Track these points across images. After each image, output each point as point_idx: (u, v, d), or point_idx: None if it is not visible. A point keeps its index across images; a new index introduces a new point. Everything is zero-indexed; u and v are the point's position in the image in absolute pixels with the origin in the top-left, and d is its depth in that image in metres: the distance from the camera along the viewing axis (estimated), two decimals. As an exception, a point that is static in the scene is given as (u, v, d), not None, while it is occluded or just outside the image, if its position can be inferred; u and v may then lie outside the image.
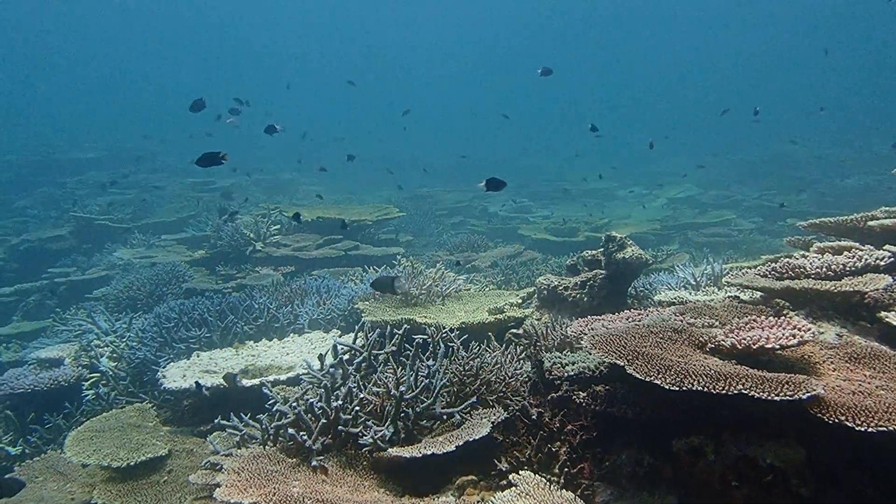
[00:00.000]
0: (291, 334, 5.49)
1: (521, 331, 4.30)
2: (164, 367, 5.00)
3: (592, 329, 2.97)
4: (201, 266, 8.68)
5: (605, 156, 25.59)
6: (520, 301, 4.58)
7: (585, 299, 4.32)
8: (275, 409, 3.49)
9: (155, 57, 60.26)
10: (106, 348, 6.10)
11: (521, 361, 3.57)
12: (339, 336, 5.32)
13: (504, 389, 3.33)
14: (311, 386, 3.81)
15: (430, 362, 3.41)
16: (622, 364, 2.46)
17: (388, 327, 4.15)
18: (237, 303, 5.71)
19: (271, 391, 4.08)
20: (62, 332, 6.70)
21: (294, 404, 3.50)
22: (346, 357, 3.86)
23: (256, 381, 4.41)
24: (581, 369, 2.87)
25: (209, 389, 4.44)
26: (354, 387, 3.44)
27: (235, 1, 56.88)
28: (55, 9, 51.12)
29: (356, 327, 4.20)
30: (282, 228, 8.93)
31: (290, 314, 5.62)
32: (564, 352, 3.38)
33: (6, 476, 4.27)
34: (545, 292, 4.55)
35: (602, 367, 2.88)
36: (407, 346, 3.79)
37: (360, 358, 3.81)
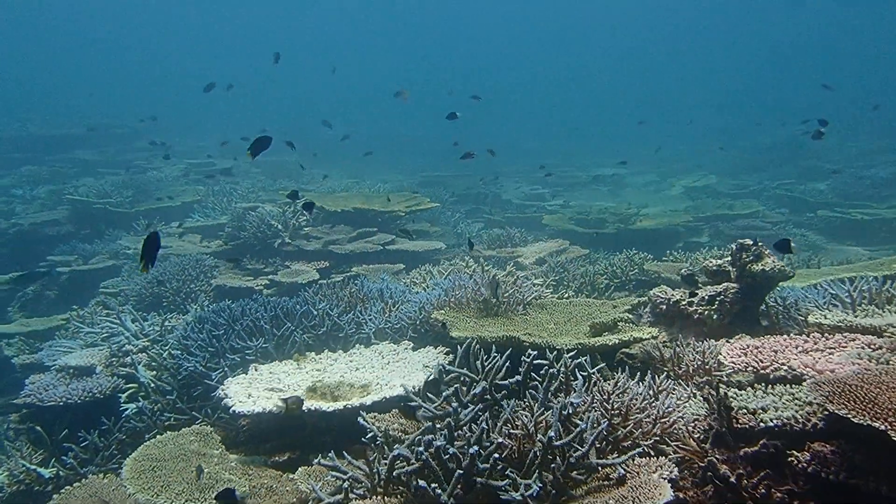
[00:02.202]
0: (357, 345, 5.01)
1: (634, 351, 3.87)
2: (222, 384, 4.50)
3: (812, 373, 2.53)
4: (222, 258, 8.11)
5: (605, 140, 25.27)
6: (627, 315, 4.13)
7: (715, 317, 3.89)
8: (396, 452, 3.02)
9: (140, 33, 58.55)
10: (140, 355, 5.56)
11: (667, 395, 3.13)
12: (409, 347, 4.85)
13: (659, 433, 2.89)
14: (427, 421, 3.35)
15: (575, 398, 2.96)
16: (883, 428, 2.04)
17: (475, 345, 3.70)
18: (293, 308, 5.21)
19: (368, 422, 3.63)
20: (87, 333, 6.13)
21: (416, 446, 3.04)
22: (462, 386, 3.40)
23: (339, 406, 3.93)
24: (784, 420, 2.44)
25: (280, 410, 3.95)
26: (487, 427, 2.98)
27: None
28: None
29: (460, 348, 3.73)
30: (310, 219, 8.38)
31: (354, 322, 5.13)
32: (747, 390, 2.93)
33: None
34: (663, 306, 4.12)
35: (816, 420, 2.46)
36: (532, 374, 3.35)
37: (479, 388, 3.35)
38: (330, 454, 3.43)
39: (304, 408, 3.95)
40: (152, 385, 5.11)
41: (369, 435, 3.54)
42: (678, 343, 3.56)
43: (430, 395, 3.61)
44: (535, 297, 4.95)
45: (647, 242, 8.75)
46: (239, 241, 8.36)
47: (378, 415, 3.82)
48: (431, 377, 4.08)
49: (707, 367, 3.30)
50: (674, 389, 3.16)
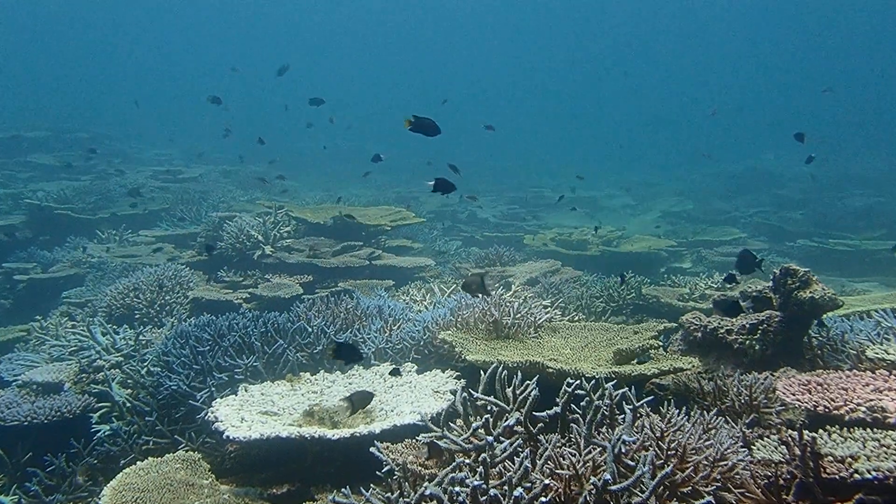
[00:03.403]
0: (356, 366, 4.66)
1: (667, 382, 3.62)
2: (209, 406, 4.11)
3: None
4: (197, 269, 7.67)
5: (574, 162, 25.36)
6: (654, 341, 3.88)
7: (757, 347, 3.67)
8: (428, 491, 2.69)
9: (105, 36, 57.25)
10: (114, 371, 5.12)
11: (716, 432, 2.87)
12: (413, 370, 4.52)
13: (719, 478, 2.63)
14: (455, 455, 3.03)
15: (626, 436, 2.68)
16: None
17: (501, 371, 3.41)
18: (285, 324, 4.84)
19: (383, 454, 3.29)
20: (52, 346, 5.65)
21: (449, 485, 2.72)
22: (489, 417, 3.09)
23: (345, 434, 3.58)
24: (886, 472, 2.19)
25: (292, 441, 3.58)
26: (529, 465, 2.68)
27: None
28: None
29: (484, 373, 3.42)
30: (293, 231, 8.01)
31: (352, 341, 4.78)
32: (821, 434, 2.68)
33: None
34: (698, 334, 3.89)
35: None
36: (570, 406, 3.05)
37: (513, 420, 3.04)
38: (344, 490, 3.09)
39: (305, 435, 3.60)
40: (128, 405, 4.67)
41: (385, 468, 3.20)
42: (720, 375, 3.32)
43: (452, 425, 3.30)
44: (546, 320, 4.68)
45: (630, 266, 8.60)
46: (214, 251, 7.93)
47: (390, 445, 3.48)
48: (448, 405, 3.78)
49: (755, 402, 3.06)
50: (722, 427, 2.90)
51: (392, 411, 4.02)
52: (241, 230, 7.60)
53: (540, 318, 4.63)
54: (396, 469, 3.19)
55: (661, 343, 3.92)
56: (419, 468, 3.23)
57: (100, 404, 4.79)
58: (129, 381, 4.94)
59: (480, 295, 4.46)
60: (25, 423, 4.52)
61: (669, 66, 57.24)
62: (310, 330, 4.79)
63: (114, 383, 4.87)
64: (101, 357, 5.28)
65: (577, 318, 5.19)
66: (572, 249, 10.35)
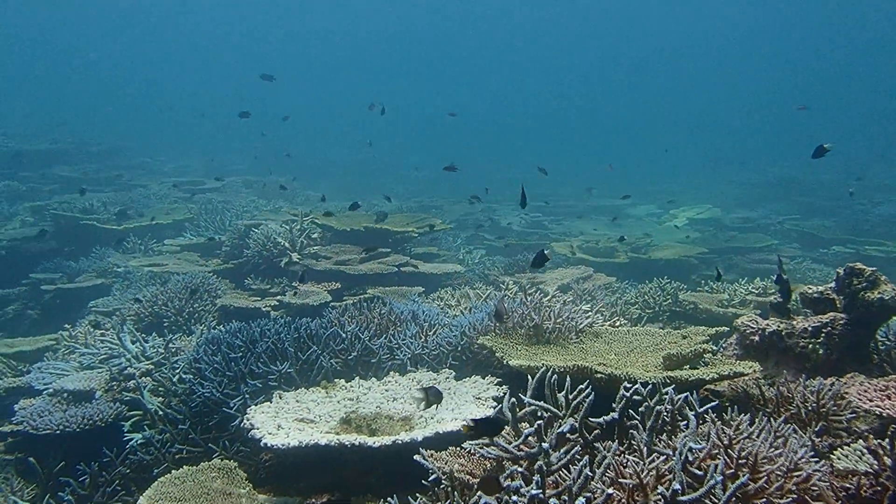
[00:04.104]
0: (392, 373, 4.55)
1: (722, 388, 3.46)
2: (245, 413, 4.01)
3: None
4: (223, 278, 7.61)
5: (589, 173, 25.13)
6: (707, 346, 3.73)
7: (821, 351, 3.51)
8: (482, 501, 2.57)
9: (124, 50, 58.02)
10: (145, 378, 5.04)
11: (785, 441, 2.72)
12: (451, 376, 4.39)
13: (795, 490, 2.47)
14: (507, 464, 2.90)
15: (693, 443, 2.53)
16: None
17: (551, 376, 3.27)
18: (319, 330, 4.73)
19: (429, 462, 3.17)
20: (82, 354, 5.58)
21: (504, 494, 2.59)
22: (542, 424, 2.96)
23: (387, 441, 3.45)
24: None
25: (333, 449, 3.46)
26: (589, 473, 2.54)
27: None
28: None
29: (532, 378, 3.28)
30: (318, 238, 7.93)
31: (387, 347, 4.67)
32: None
33: None
34: (754, 338, 3.73)
35: None
36: (628, 412, 2.90)
37: (567, 427, 2.90)
38: (391, 500, 2.96)
39: (345, 442, 3.48)
40: (160, 413, 4.58)
41: (432, 477, 3.07)
42: (784, 380, 3.16)
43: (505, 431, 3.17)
44: (587, 325, 4.54)
45: (660, 273, 8.42)
46: (241, 259, 7.87)
47: (434, 453, 3.35)
48: (493, 412, 3.66)
49: (823, 409, 2.89)
50: (790, 435, 2.74)
51: (432, 418, 3.89)
52: (267, 238, 7.53)
53: (581, 323, 4.49)
54: (443, 477, 3.07)
55: (714, 348, 3.77)
56: (467, 476, 3.10)
57: (131, 412, 4.71)
58: (160, 388, 4.85)
59: (521, 300, 4.34)
60: (57, 432, 4.45)
61: (693, 74, 56.91)
62: (343, 336, 4.68)
63: (145, 391, 4.79)
64: (132, 365, 5.21)
65: (618, 322, 5.05)
66: (600, 257, 10.18)
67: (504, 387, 4.02)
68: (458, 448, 3.44)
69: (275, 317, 5.75)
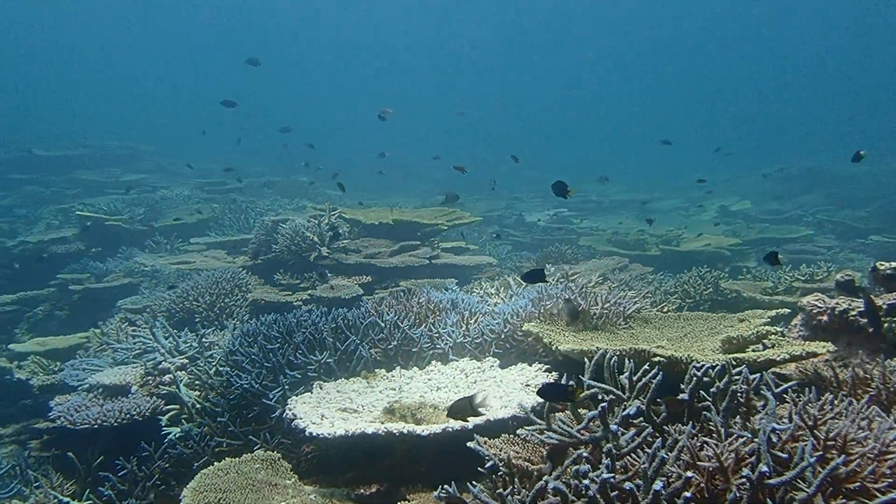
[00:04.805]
0: (433, 361, 4.42)
1: (789, 371, 3.29)
2: (285, 404, 3.90)
3: None
4: (252, 274, 7.53)
5: (612, 169, 24.88)
6: (770, 327, 3.56)
7: (899, 331, 3.33)
8: (551, 485, 2.43)
9: (141, 54, 58.51)
10: (180, 373, 4.95)
11: (869, 423, 2.55)
12: (496, 364, 4.26)
13: (889, 473, 2.29)
14: (569, 449, 2.76)
15: (777, 424, 2.37)
16: None
17: (611, 358, 3.11)
18: (357, 320, 4.62)
19: (484, 448, 3.04)
20: (116, 349, 5.51)
21: (573, 479, 2.46)
22: (605, 406, 2.81)
23: (437, 429, 3.32)
24: None
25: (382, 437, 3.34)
26: (664, 456, 2.39)
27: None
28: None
29: (589, 361, 3.13)
30: (348, 232, 7.84)
31: (427, 336, 4.54)
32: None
33: None
34: (822, 317, 3.56)
35: None
36: (699, 393, 2.74)
37: (634, 409, 2.75)
38: (447, 487, 2.84)
39: (394, 431, 3.36)
40: (198, 406, 4.49)
41: (488, 464, 2.94)
42: (860, 361, 2.99)
43: (561, 417, 3.03)
44: (635, 311, 4.39)
45: (692, 265, 8.24)
46: (269, 255, 7.79)
47: (488, 440, 3.22)
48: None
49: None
50: (875, 417, 2.58)
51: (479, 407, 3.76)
52: (296, 232, 7.44)
53: (629, 308, 4.34)
54: (500, 464, 2.93)
55: (779, 329, 3.60)
56: (525, 463, 2.97)
57: (168, 406, 4.62)
58: (196, 382, 4.76)
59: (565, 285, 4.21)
60: (95, 426, 4.36)
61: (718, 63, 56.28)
62: (382, 325, 4.55)
63: (181, 385, 4.70)
64: (166, 359, 5.13)
65: (666, 308, 4.88)
66: (630, 249, 10.01)
67: (553, 374, 3.88)
68: (511, 435, 3.32)
69: (310, 307, 5.65)
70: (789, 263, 6.86)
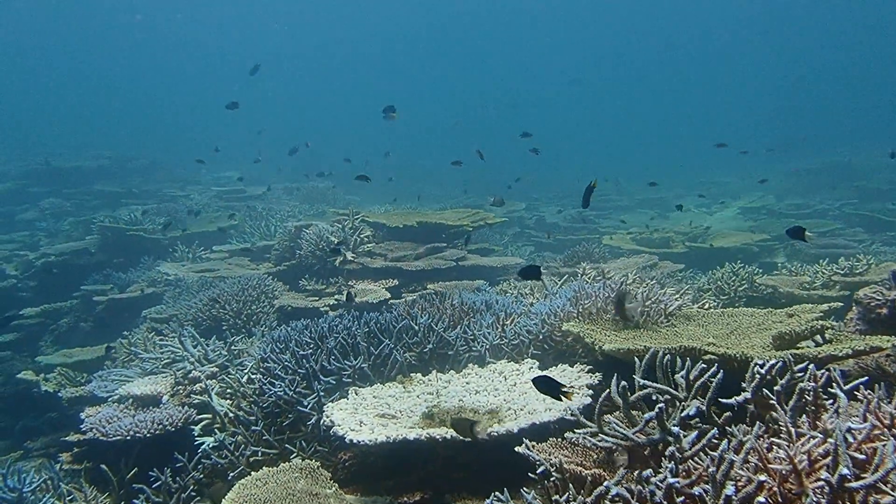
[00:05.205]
0: (470, 364, 4.31)
1: (847, 367, 3.15)
2: (322, 411, 3.81)
3: None
4: (277, 280, 7.46)
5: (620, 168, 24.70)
6: (824, 322, 3.42)
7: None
8: (613, 490, 2.31)
9: (160, 66, 58.98)
10: (211, 381, 4.87)
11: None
12: (535, 366, 4.15)
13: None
14: (617, 454, 2.64)
15: (853, 423, 2.23)
16: None
17: (663, 356, 2.98)
18: (390, 323, 4.52)
19: (534, 453, 2.93)
20: (145, 359, 5.45)
21: (637, 484, 2.34)
22: (662, 407, 2.69)
23: (498, 431, 3.21)
24: None
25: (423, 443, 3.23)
26: (732, 458, 2.26)
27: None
28: (51, 11, 49.85)
29: (640, 361, 3.01)
30: (372, 236, 7.75)
31: (462, 338, 4.44)
32: None
33: None
34: (883, 311, 3.42)
35: None
36: (762, 391, 2.61)
37: (693, 410, 2.63)
38: (499, 494, 2.73)
39: (437, 437, 3.25)
40: (230, 415, 4.41)
41: (540, 469, 2.83)
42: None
43: (614, 419, 2.91)
44: (676, 308, 4.26)
45: (720, 262, 8.08)
46: (293, 261, 7.72)
47: (536, 444, 3.11)
48: (592, 399, 3.41)
49: None
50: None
51: (521, 409, 3.65)
52: (320, 237, 7.37)
53: (671, 306, 4.21)
54: (552, 470, 2.82)
55: (835, 323, 3.46)
56: (577, 468, 2.85)
57: (200, 416, 4.55)
58: (228, 390, 4.68)
59: (603, 283, 4.09)
60: (128, 438, 4.29)
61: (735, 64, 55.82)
62: (416, 328, 4.46)
63: (213, 393, 4.63)
64: (196, 368, 5.05)
65: (707, 305, 4.74)
66: (654, 247, 9.85)
67: (597, 374, 3.76)
68: (558, 439, 3.20)
69: (340, 312, 5.56)
70: (826, 258, 6.69)
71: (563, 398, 3.01)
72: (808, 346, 3.49)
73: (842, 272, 5.86)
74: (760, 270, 6.60)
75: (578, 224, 13.40)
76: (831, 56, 50.12)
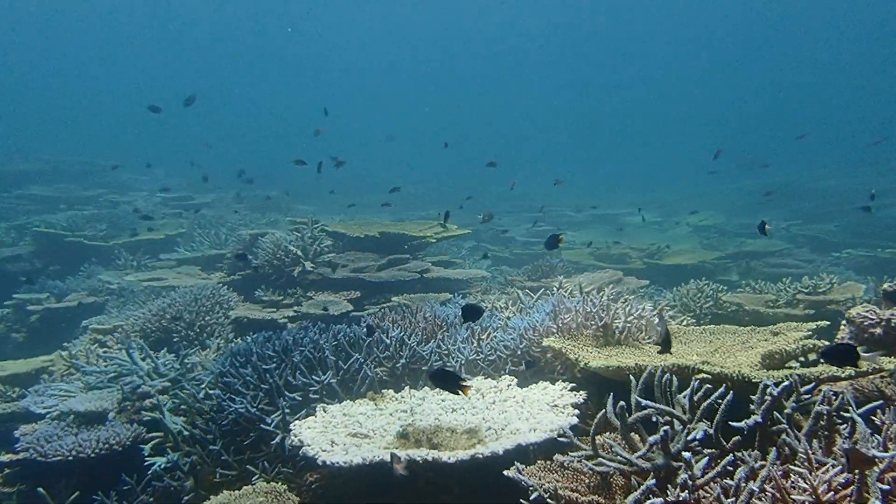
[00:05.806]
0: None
1: (840, 388, 3.07)
2: (288, 429, 3.55)
3: None
4: (231, 290, 7.11)
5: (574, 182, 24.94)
6: (813, 341, 3.36)
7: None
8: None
9: (101, 64, 57.12)
10: (162, 397, 4.54)
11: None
12: (513, 383, 3.97)
13: None
14: (615, 478, 2.48)
15: (876, 451, 2.12)
16: None
17: (662, 375, 2.86)
18: (359, 337, 4.29)
19: (526, 477, 2.75)
20: (88, 373, 5.06)
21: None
22: (667, 429, 2.54)
23: (464, 456, 3.02)
24: None
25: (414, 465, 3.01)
26: (754, 488, 2.12)
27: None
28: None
29: (641, 379, 2.87)
30: (332, 246, 7.49)
31: (437, 353, 4.23)
32: None
33: None
34: (875, 330, 3.35)
35: None
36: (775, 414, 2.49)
37: (700, 433, 2.49)
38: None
39: (417, 458, 3.04)
40: (185, 433, 4.09)
41: (533, 496, 2.64)
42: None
43: (612, 442, 2.76)
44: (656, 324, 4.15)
45: (676, 279, 8.11)
46: (247, 271, 7.39)
47: (524, 467, 2.92)
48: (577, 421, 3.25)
49: None
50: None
51: (503, 429, 3.47)
52: (277, 246, 7.06)
53: (653, 322, 4.10)
54: (546, 496, 2.64)
55: (825, 343, 3.38)
56: (572, 494, 2.68)
57: (151, 434, 4.22)
58: (182, 406, 4.36)
59: (584, 298, 3.96)
60: (70, 458, 3.93)
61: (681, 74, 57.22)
62: (387, 342, 4.24)
63: (165, 410, 4.30)
64: (146, 382, 4.71)
65: (684, 322, 4.66)
66: (612, 263, 9.85)
67: (581, 392, 3.61)
68: (548, 462, 3.03)
69: (304, 324, 5.29)
70: (777, 277, 6.75)
71: (460, 393, 2.92)
72: (794, 366, 3.42)
73: (805, 290, 5.89)
74: (725, 288, 6.61)
75: (534, 239, 13.37)
76: (788, 77, 51.83)
